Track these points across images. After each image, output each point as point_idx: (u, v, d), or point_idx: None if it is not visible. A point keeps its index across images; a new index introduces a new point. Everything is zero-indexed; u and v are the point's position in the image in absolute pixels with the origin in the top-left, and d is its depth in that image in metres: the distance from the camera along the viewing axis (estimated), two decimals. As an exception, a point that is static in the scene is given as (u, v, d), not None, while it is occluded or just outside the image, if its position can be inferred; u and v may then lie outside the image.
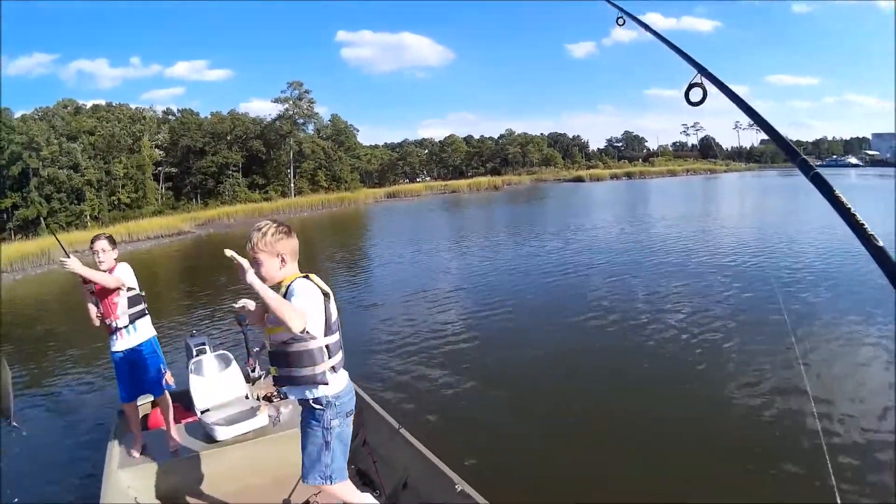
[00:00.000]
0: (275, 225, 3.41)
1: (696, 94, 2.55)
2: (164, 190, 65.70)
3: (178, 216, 52.23)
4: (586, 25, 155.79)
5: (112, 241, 5.43)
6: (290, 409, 5.63)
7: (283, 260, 3.37)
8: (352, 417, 3.60)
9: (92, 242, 5.30)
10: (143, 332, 5.51)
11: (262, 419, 5.38)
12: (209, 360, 6.06)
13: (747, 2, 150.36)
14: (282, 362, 3.41)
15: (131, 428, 5.54)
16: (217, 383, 5.84)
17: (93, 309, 5.34)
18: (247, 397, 5.90)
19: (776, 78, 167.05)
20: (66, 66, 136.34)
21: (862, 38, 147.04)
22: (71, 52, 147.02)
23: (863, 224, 1.62)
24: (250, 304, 3.64)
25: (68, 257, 4.96)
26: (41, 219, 51.70)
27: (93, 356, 11.44)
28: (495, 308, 12.64)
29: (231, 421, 5.32)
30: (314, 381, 3.37)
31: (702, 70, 2.54)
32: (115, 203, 58.43)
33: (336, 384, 3.45)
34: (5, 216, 53.05)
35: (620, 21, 3.78)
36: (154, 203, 61.42)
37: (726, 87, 2.40)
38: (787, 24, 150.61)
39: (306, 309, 3.22)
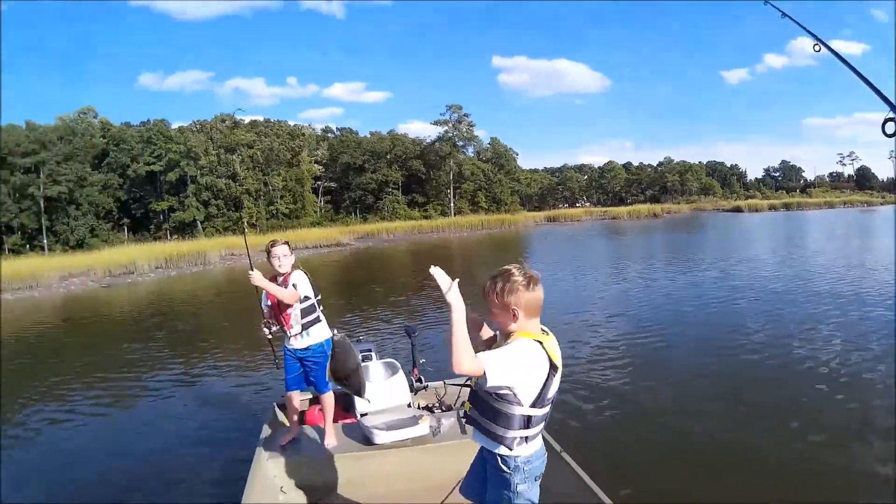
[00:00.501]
0: (515, 274, 2.88)
1: (890, 127, 2.88)
2: (322, 203, 65.85)
3: (337, 228, 52.57)
4: (739, 50, 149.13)
5: (289, 247, 5.35)
6: (451, 422, 5.30)
7: (514, 315, 2.86)
8: (540, 479, 3.12)
9: (271, 247, 5.24)
10: (316, 336, 5.34)
11: (422, 428, 5.12)
12: (375, 366, 6.02)
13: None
14: (478, 407, 2.99)
15: (288, 421, 5.64)
16: (381, 389, 5.72)
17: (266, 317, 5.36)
18: (409, 406, 5.81)
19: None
20: (221, 83, 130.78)
21: None
22: (227, 71, 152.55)
23: None
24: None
25: (253, 270, 5.04)
26: (198, 222, 53.30)
27: (248, 349, 11.74)
28: (653, 334, 11.86)
29: (391, 427, 5.17)
30: (501, 443, 2.93)
31: (893, 107, 2.91)
32: (273, 212, 58.38)
33: (525, 451, 2.99)
34: (162, 217, 54.94)
35: (816, 48, 3.97)
36: (312, 215, 61.35)
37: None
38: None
39: (496, 366, 2.75)
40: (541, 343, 2.85)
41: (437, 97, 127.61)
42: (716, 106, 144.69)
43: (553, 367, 2.85)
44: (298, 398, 5.54)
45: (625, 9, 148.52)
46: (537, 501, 3.07)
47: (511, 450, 2.90)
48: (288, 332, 5.26)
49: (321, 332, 5.36)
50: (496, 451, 2.96)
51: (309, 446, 5.22)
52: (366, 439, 5.16)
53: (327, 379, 4.69)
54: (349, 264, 33.47)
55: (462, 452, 4.03)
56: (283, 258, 5.14)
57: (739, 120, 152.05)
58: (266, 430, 5.46)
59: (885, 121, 2.82)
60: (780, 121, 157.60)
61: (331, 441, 5.19)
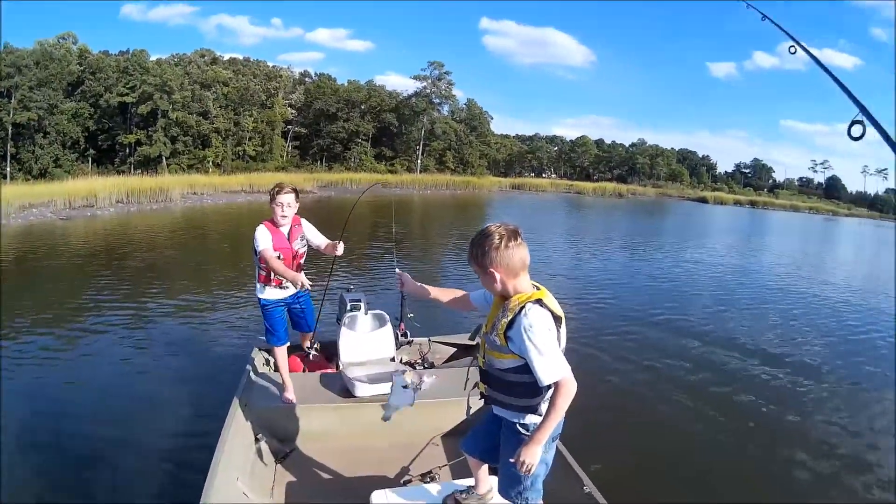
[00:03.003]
0: (492, 235, 2.63)
1: (856, 130, 2.68)
2: (290, 148, 62.22)
3: (301, 175, 48.93)
4: (729, 45, 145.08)
5: (297, 195, 4.74)
6: (432, 380, 5.01)
7: (494, 276, 2.63)
8: (557, 441, 2.96)
9: (277, 193, 4.58)
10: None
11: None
12: (364, 317, 5.71)
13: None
14: (497, 387, 2.83)
15: (268, 368, 5.48)
16: (366, 341, 5.54)
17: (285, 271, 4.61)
18: (392, 360, 5.56)
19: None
20: (206, 18, 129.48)
21: None
22: (213, 7, 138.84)
23: None
24: (407, 279, 3.34)
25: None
26: (163, 158, 49.76)
27: (206, 290, 11.62)
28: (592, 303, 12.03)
29: (373, 380, 4.97)
30: (528, 410, 2.77)
31: (863, 110, 2.69)
32: (240, 153, 54.97)
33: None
34: (127, 151, 51.02)
35: (792, 49, 3.80)
36: (279, 159, 58.03)
37: (882, 128, 2.63)
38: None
39: (560, 361, 2.56)
40: (541, 300, 2.63)
41: (419, 53, 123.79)
42: (698, 95, 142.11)
43: (557, 319, 2.65)
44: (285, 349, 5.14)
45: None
46: (551, 463, 2.96)
47: (541, 415, 2.71)
48: (285, 281, 4.79)
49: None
50: (520, 419, 2.79)
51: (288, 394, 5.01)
52: (346, 391, 5.03)
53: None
54: (312, 212, 32.07)
55: (440, 411, 4.36)
56: (288, 208, 4.64)
57: (719, 112, 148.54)
58: (246, 377, 5.21)
59: (852, 123, 2.66)
60: (759, 119, 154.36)
61: (308, 390, 5.04)
